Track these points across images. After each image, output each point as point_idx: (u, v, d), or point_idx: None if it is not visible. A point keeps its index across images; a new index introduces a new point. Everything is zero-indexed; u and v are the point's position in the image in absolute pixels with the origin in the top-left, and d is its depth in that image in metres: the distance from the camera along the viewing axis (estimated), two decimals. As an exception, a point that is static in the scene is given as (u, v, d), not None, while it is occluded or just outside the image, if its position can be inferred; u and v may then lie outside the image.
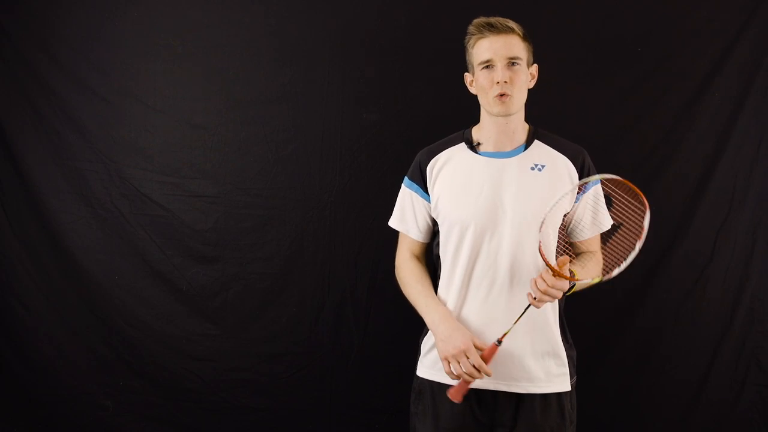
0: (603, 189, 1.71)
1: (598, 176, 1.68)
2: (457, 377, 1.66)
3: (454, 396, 1.67)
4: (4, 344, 2.63)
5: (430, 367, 1.81)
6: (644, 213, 1.60)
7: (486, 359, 1.64)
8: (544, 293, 1.60)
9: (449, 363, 1.67)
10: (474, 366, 1.63)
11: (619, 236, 1.63)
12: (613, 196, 1.65)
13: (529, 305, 1.63)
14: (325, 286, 2.55)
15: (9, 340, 2.63)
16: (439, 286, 1.83)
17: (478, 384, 1.71)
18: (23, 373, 2.63)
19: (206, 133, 2.57)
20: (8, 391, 2.64)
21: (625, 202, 1.65)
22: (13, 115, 2.59)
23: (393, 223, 1.95)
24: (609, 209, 1.73)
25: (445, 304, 1.78)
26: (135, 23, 2.56)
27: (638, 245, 1.60)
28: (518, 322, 1.65)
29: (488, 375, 1.64)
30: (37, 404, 2.64)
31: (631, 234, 1.63)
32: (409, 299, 1.86)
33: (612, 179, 1.65)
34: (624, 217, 1.63)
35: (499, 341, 1.64)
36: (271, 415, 2.58)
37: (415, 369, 1.87)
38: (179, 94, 2.57)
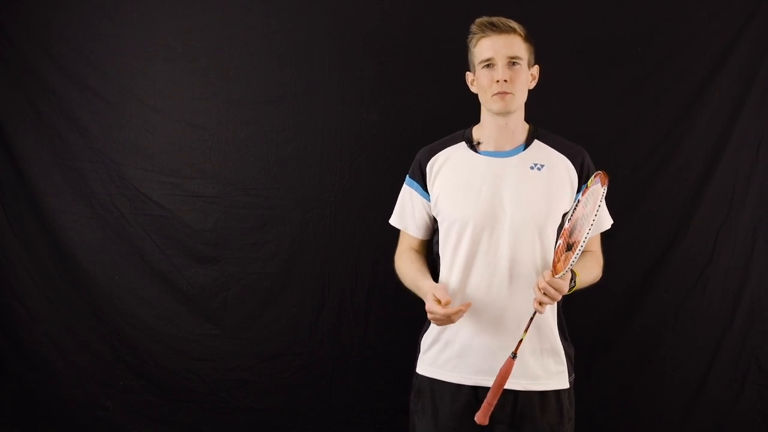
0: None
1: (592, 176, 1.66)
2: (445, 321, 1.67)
3: (482, 420, 1.65)
4: (4, 344, 2.63)
5: (429, 364, 1.82)
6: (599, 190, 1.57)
7: (504, 375, 1.63)
8: (542, 290, 1.60)
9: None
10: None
11: (585, 224, 1.60)
12: (595, 189, 1.63)
13: (535, 312, 1.64)
14: (325, 286, 2.55)
15: (9, 340, 2.63)
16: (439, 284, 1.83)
17: (476, 381, 1.73)
18: (23, 373, 2.63)
19: (206, 133, 2.57)
20: (8, 391, 2.64)
21: (597, 191, 1.62)
22: (13, 115, 2.58)
23: (393, 220, 1.96)
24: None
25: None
26: (135, 23, 2.56)
27: (591, 223, 1.54)
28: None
29: (452, 311, 1.64)
30: (37, 404, 2.64)
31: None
32: (407, 286, 1.87)
33: (596, 175, 1.64)
34: (593, 207, 1.59)
35: (514, 354, 1.64)
36: (271, 415, 2.58)
37: (415, 367, 1.87)
38: (179, 94, 2.57)
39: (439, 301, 1.65)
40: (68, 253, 2.59)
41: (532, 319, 1.65)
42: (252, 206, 2.56)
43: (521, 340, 1.64)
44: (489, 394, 1.63)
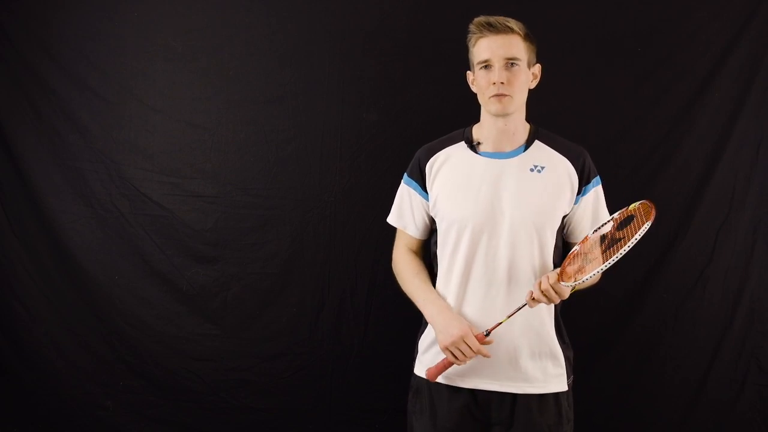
0: (634, 213, 1.63)
1: (637, 203, 1.62)
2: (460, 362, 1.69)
3: (432, 376, 1.72)
4: (4, 344, 2.63)
5: (427, 365, 1.80)
6: (642, 225, 1.54)
7: None
8: (544, 292, 1.60)
9: (451, 352, 1.68)
10: (473, 350, 1.66)
11: (615, 248, 1.59)
12: (636, 218, 1.61)
13: (525, 304, 1.64)
14: (325, 286, 2.55)
15: (9, 340, 2.63)
16: (437, 285, 1.83)
17: (474, 384, 1.73)
18: (23, 373, 2.63)
19: (206, 133, 2.57)
20: (8, 391, 2.64)
21: (640, 222, 1.59)
22: (13, 115, 2.58)
23: (391, 219, 1.94)
24: (627, 226, 1.63)
25: (445, 299, 1.78)
26: (135, 23, 2.56)
27: (620, 252, 1.54)
28: (511, 318, 1.66)
29: (487, 356, 1.67)
30: (37, 404, 2.64)
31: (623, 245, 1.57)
32: (406, 293, 1.87)
33: (644, 205, 1.60)
34: (629, 234, 1.58)
35: (488, 332, 1.66)
36: (271, 415, 2.58)
37: (413, 368, 1.87)
38: (179, 94, 2.57)
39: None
40: (68, 253, 2.59)
41: (519, 309, 1.65)
42: (252, 206, 2.56)
43: (500, 323, 1.66)
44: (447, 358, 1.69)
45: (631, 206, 1.65)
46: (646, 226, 1.53)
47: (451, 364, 1.70)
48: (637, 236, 1.52)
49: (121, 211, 2.58)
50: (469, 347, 1.65)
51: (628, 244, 1.53)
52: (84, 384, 2.61)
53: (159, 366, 2.60)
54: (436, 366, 1.72)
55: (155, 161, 2.58)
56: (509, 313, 1.66)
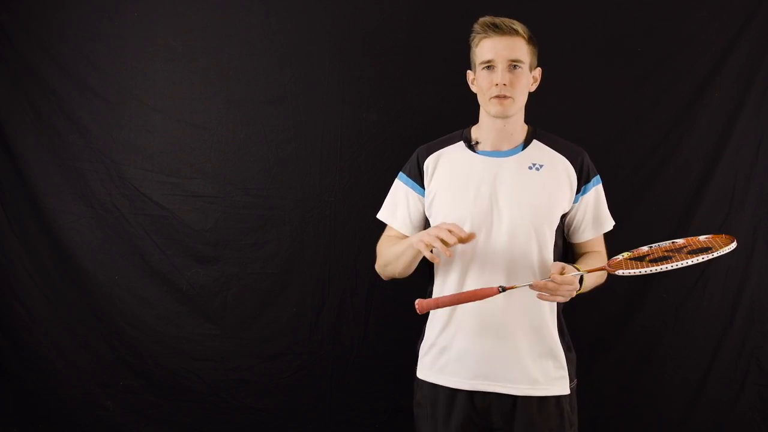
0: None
1: (728, 247, 1.62)
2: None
3: (422, 309, 1.61)
4: (4, 344, 2.63)
5: (428, 368, 1.80)
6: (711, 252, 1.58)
7: (478, 295, 1.59)
8: (549, 285, 1.58)
9: (426, 246, 1.59)
10: (453, 230, 1.57)
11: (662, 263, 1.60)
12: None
13: (532, 285, 1.60)
14: (325, 286, 2.55)
15: (9, 340, 2.63)
16: (435, 286, 1.81)
17: (474, 385, 1.72)
18: (23, 373, 2.63)
19: (206, 133, 2.57)
20: (8, 391, 2.64)
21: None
22: (13, 115, 2.59)
23: (382, 215, 1.91)
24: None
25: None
26: (135, 23, 2.56)
27: (665, 267, 1.58)
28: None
29: (469, 235, 1.60)
30: (37, 404, 2.64)
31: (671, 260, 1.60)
32: (391, 261, 1.80)
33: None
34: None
35: (503, 288, 1.57)
36: (271, 415, 2.58)
37: (414, 371, 1.86)
38: (179, 94, 2.57)
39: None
40: (68, 253, 2.59)
41: (526, 285, 1.59)
42: (252, 206, 2.56)
43: (513, 287, 1.59)
44: (450, 297, 1.62)
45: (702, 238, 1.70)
46: (713, 255, 1.59)
47: (443, 302, 1.62)
48: (696, 260, 1.59)
49: (121, 211, 2.58)
50: (448, 230, 1.56)
51: (679, 262, 1.59)
52: (84, 384, 2.61)
53: (159, 366, 2.60)
54: (428, 300, 1.64)
55: (155, 161, 2.58)
56: (517, 285, 1.60)
